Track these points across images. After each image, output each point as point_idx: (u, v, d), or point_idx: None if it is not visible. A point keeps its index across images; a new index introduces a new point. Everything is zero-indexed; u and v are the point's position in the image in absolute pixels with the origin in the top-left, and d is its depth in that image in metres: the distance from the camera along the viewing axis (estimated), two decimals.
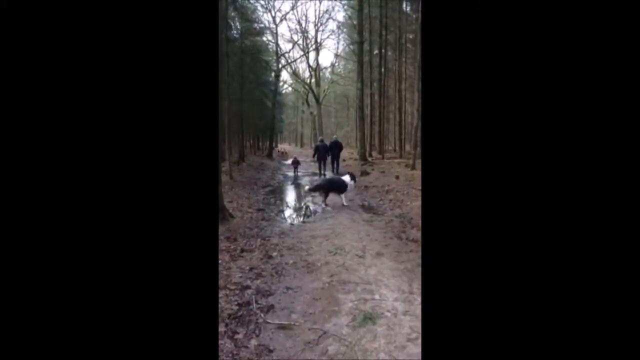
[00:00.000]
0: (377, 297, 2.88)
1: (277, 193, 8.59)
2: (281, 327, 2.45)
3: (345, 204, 6.01)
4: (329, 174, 11.02)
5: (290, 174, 13.02)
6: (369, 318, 2.53)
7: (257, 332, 2.40)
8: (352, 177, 6.59)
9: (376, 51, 17.98)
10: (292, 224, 5.43)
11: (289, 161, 15.80)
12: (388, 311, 2.63)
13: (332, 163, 11.70)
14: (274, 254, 3.97)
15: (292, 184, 10.59)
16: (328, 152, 11.42)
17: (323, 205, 6.42)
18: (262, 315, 2.61)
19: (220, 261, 3.65)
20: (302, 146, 38.09)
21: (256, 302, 2.81)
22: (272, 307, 2.75)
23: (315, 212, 6.39)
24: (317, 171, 11.65)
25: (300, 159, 14.28)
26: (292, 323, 2.49)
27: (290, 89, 33.20)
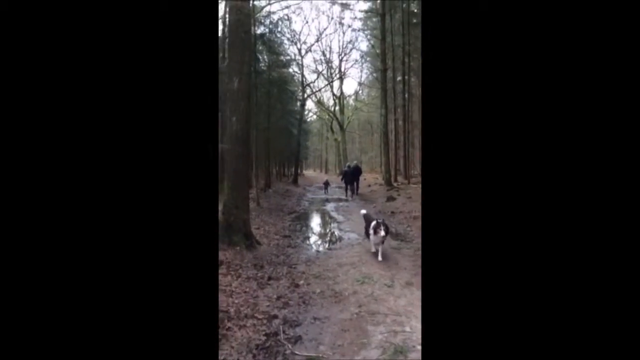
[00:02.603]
0: (407, 329, 2.78)
1: (303, 219, 8.60)
2: (309, 359, 2.40)
3: (380, 258, 4.70)
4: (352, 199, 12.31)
5: (318, 196, 14.25)
6: (400, 351, 2.43)
7: None
8: (385, 229, 4.65)
9: (399, 78, 18.17)
10: (318, 251, 5.40)
11: (313, 187, 17.27)
12: (419, 344, 2.52)
13: (352, 184, 13.40)
14: (301, 282, 3.92)
15: (325, 200, 12.22)
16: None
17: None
18: (289, 346, 2.57)
19: (247, 289, 3.65)
20: (326, 172, 38.28)
21: (284, 332, 2.77)
22: (299, 338, 2.71)
23: (340, 238, 6.33)
24: (342, 196, 13.22)
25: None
26: (321, 355, 2.43)
27: (315, 117, 33.94)
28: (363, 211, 5.88)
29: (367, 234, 5.08)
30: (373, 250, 4.96)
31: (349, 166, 14.13)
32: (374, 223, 4.80)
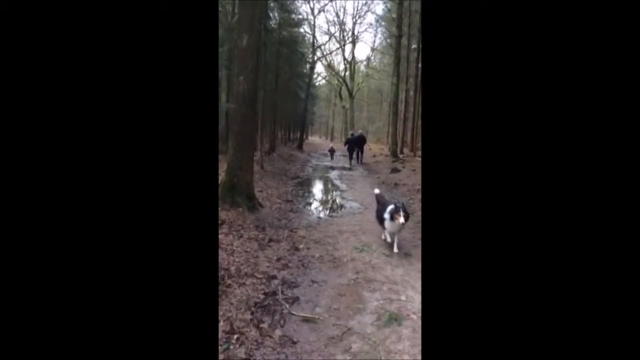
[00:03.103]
0: (403, 298, 2.84)
1: (306, 185, 8.58)
2: (306, 319, 2.47)
3: (395, 250, 3.85)
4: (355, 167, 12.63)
5: (322, 163, 14.11)
6: (395, 319, 2.50)
7: (281, 322, 2.43)
8: (405, 215, 3.73)
9: (414, 45, 17.52)
10: (319, 218, 5.43)
11: (318, 153, 17.34)
12: (414, 313, 2.58)
13: (357, 154, 13.54)
14: (301, 246, 3.99)
15: (330, 168, 12.20)
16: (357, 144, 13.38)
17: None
18: (287, 306, 2.64)
19: (248, 249, 3.72)
20: (332, 139, 37.29)
21: (282, 292, 2.84)
22: (297, 299, 2.78)
23: (342, 206, 6.36)
24: (346, 165, 13.14)
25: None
26: (317, 317, 2.51)
27: (323, 81, 33.04)
28: (377, 190, 4.80)
29: (380, 219, 4.05)
30: (387, 239, 4.03)
31: (352, 134, 14.40)
32: (391, 207, 3.81)
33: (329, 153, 16.54)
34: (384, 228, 4.07)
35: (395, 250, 3.87)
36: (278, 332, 2.31)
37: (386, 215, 3.85)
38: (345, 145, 14.67)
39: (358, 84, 28.74)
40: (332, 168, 12.57)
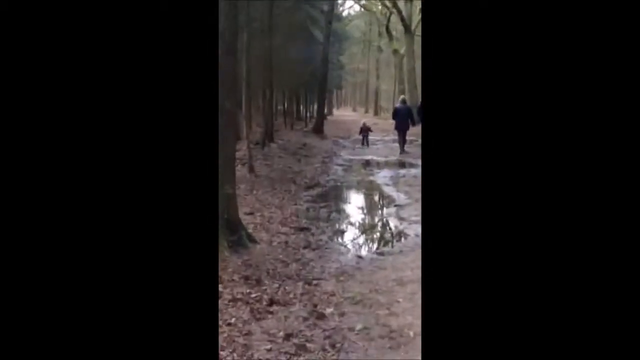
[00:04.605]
0: None
1: (332, 199, 5.66)
2: None
3: None
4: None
5: (359, 156, 9.33)
6: None
7: None
8: None
9: None
10: (359, 257, 3.53)
11: (351, 139, 11.34)
12: None
13: (399, 137, 8.94)
14: (329, 310, 2.56)
15: (375, 165, 7.86)
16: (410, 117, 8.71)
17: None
18: None
19: (232, 320, 2.38)
20: (376, 112, 23.28)
21: None
22: None
23: (401, 234, 4.18)
24: (407, 157, 8.59)
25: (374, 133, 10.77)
26: None
27: (357, 8, 20.03)
28: None
29: None
30: None
31: (404, 101, 9.28)
32: None
33: (361, 135, 10.87)
34: None
35: None
36: None
37: None
38: (393, 118, 9.35)
39: (420, 11, 14.28)
40: (378, 165, 8.25)
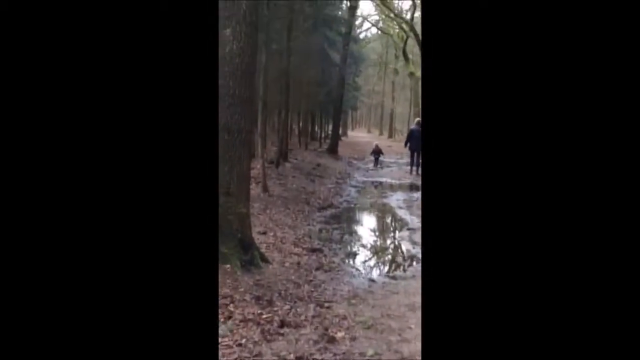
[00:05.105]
0: None
1: (345, 220, 5.61)
2: None
3: None
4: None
5: (371, 178, 9.33)
6: None
7: None
8: None
9: None
10: (372, 281, 3.46)
11: (366, 160, 11.38)
12: None
13: (412, 158, 9.09)
14: (340, 334, 2.45)
15: (387, 187, 7.85)
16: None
17: None
18: None
19: (242, 341, 2.29)
20: (390, 135, 23.15)
21: None
22: None
23: (413, 259, 4.12)
24: (415, 181, 8.69)
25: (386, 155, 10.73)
26: None
27: (374, 30, 19.98)
28: None
29: None
30: None
31: (418, 123, 9.02)
32: None
33: (373, 157, 11.01)
34: None
35: None
36: None
37: None
38: (406, 145, 9.54)
39: None
40: (392, 187, 8.23)
